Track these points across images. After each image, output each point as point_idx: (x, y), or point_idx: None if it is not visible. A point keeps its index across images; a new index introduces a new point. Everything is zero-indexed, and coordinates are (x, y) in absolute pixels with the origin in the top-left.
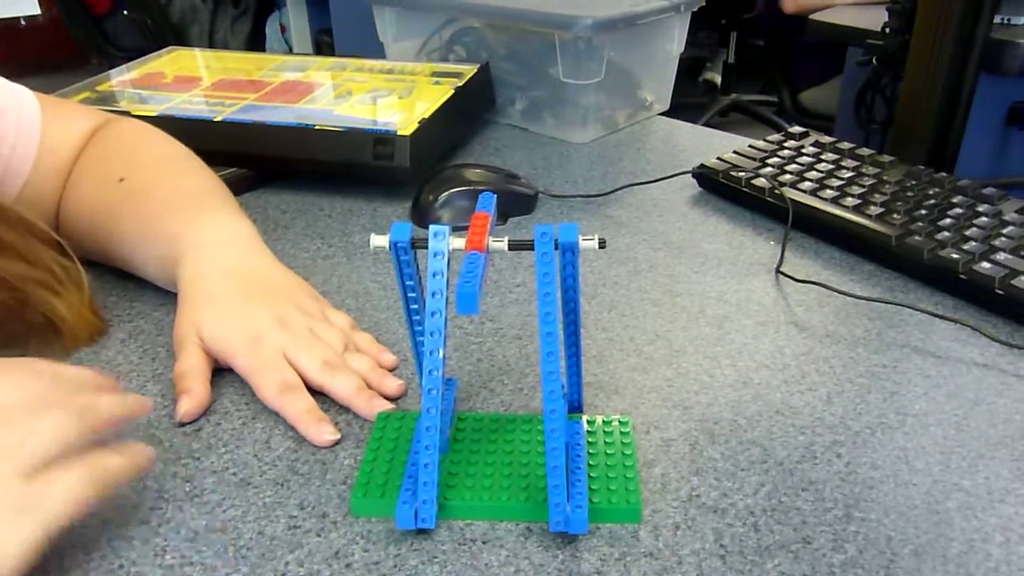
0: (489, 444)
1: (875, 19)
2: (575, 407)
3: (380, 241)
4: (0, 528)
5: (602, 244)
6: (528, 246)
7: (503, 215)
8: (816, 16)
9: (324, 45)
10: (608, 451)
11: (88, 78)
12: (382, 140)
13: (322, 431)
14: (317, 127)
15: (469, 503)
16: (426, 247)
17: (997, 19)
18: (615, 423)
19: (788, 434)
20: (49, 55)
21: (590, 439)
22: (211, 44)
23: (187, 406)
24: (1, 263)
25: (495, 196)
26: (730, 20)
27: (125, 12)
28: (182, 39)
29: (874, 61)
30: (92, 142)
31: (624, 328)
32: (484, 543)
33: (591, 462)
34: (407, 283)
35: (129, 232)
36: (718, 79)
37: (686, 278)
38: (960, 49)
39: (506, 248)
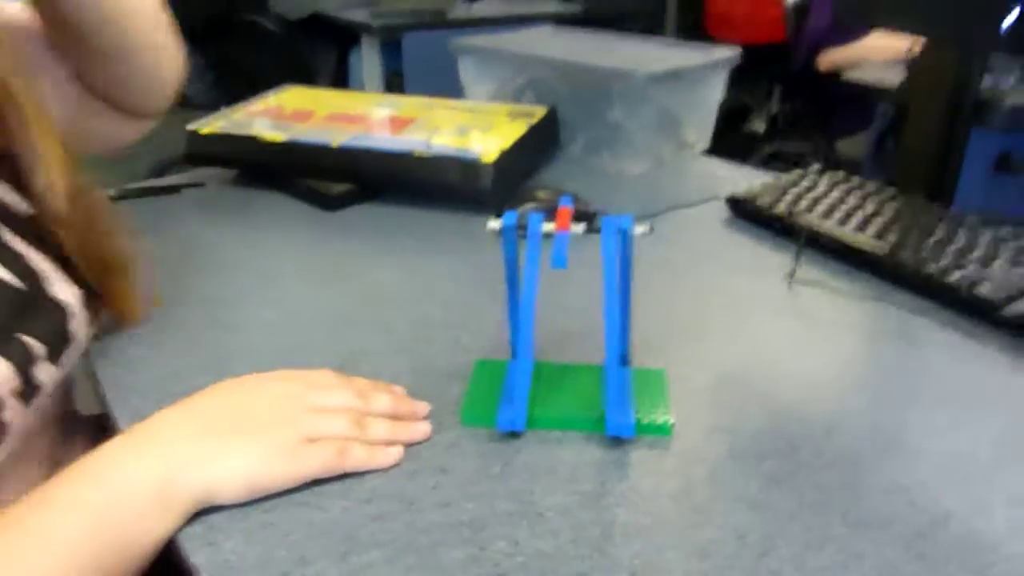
0: (561, 380)
1: (901, 75)
2: (625, 360)
3: (495, 224)
4: (274, 463)
5: (651, 229)
6: (597, 230)
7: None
8: (849, 74)
9: (395, 86)
10: (649, 390)
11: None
12: (469, 166)
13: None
14: (415, 154)
15: (549, 416)
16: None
17: (987, 80)
18: (654, 373)
19: (787, 387)
20: None
21: (636, 380)
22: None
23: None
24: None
25: (572, 196)
26: (773, 76)
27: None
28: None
29: (892, 111)
30: None
31: (666, 314)
32: (560, 443)
33: (636, 394)
34: (510, 256)
35: None
36: (761, 128)
37: (715, 279)
38: (952, 104)
39: (583, 231)
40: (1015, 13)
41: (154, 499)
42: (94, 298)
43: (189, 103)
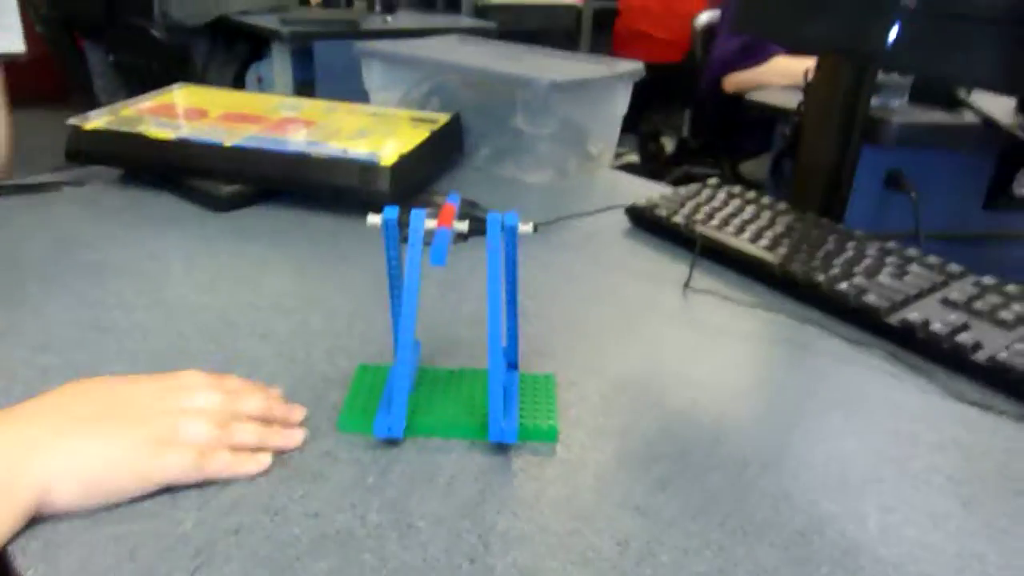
0: (445, 385)
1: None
2: (512, 364)
3: (375, 219)
4: (120, 465)
5: (535, 229)
6: (482, 229)
7: (461, 235)
8: (751, 95)
9: (305, 95)
10: (536, 394)
11: (72, 114)
12: (367, 168)
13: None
14: (312, 155)
15: (429, 422)
16: (408, 226)
17: (875, 101)
18: (542, 378)
19: (680, 392)
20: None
21: (522, 385)
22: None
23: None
24: None
25: (459, 195)
26: (683, 99)
27: (111, 57)
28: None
29: (788, 132)
30: None
31: (558, 318)
32: (440, 451)
33: (522, 399)
34: (391, 254)
35: None
36: (669, 147)
37: (612, 287)
38: (844, 123)
39: (466, 229)
40: (895, 29)
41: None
42: None
43: (96, 100)
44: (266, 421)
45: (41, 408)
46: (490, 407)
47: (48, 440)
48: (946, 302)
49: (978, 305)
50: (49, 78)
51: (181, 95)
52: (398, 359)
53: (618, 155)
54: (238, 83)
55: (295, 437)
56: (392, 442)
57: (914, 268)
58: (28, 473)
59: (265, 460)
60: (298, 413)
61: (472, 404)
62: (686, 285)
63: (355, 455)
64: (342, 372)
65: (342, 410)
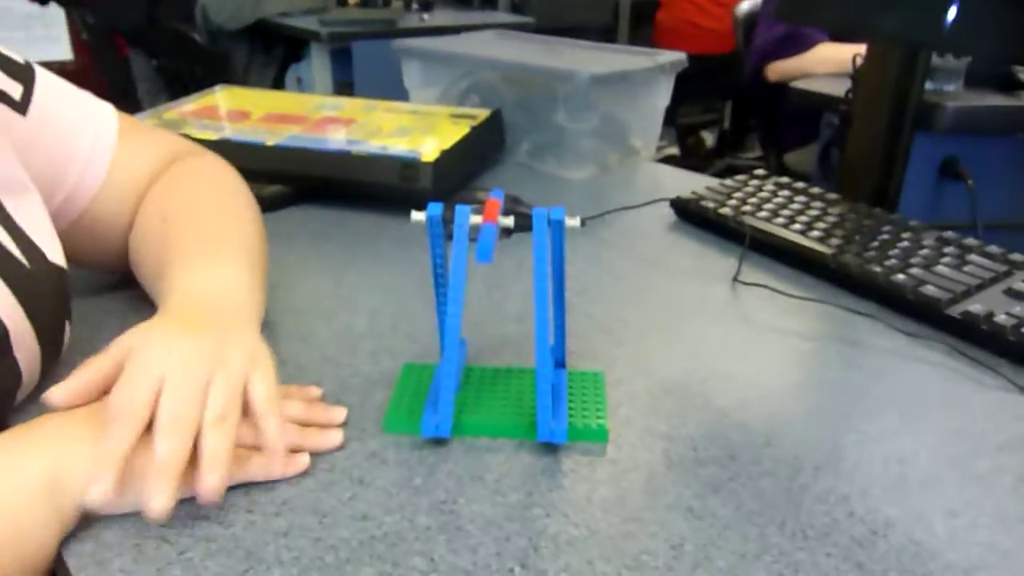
0: (492, 384)
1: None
2: (560, 362)
3: (419, 216)
4: None
5: (583, 223)
6: (528, 224)
7: (506, 231)
8: (795, 84)
9: (345, 94)
10: (584, 393)
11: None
12: (409, 165)
13: (91, 488)
14: (353, 153)
15: (476, 422)
16: (454, 222)
17: (930, 86)
18: (591, 375)
19: (727, 390)
20: None
21: (571, 383)
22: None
23: (56, 392)
24: None
25: (503, 191)
26: (724, 91)
27: (155, 62)
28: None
29: (836, 121)
30: (165, 174)
31: (604, 316)
32: (488, 451)
33: (571, 398)
34: (436, 251)
35: (150, 269)
36: (709, 141)
37: (658, 283)
38: (896, 109)
39: (511, 224)
40: (953, 10)
41: (43, 495)
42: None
43: (141, 105)
44: (305, 424)
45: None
46: (538, 407)
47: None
48: (1010, 292)
49: None
50: (96, 84)
51: (223, 97)
52: (445, 357)
53: (657, 149)
54: (278, 84)
55: (333, 438)
56: (439, 442)
57: (974, 258)
58: (76, 481)
59: (304, 461)
60: (339, 414)
61: (520, 403)
62: (735, 279)
63: (402, 456)
64: (387, 373)
65: (388, 410)
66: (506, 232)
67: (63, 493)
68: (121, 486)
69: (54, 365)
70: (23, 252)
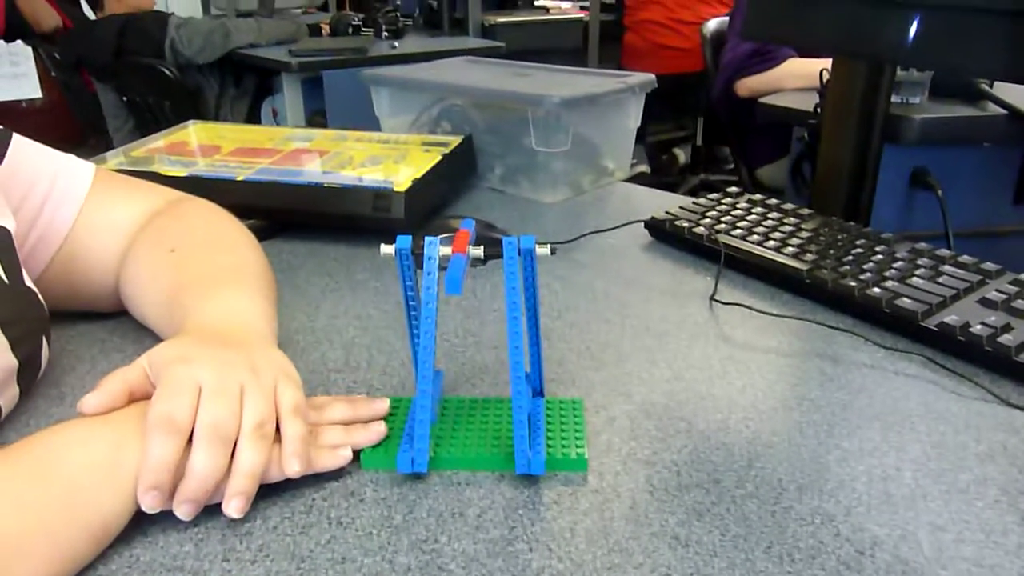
0: (469, 416)
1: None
2: (537, 391)
3: (388, 249)
4: None
5: (553, 251)
6: (498, 254)
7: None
8: (765, 100)
9: (318, 125)
10: (563, 421)
11: (88, 156)
12: (381, 195)
13: (147, 496)
14: (325, 185)
15: (454, 456)
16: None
17: (896, 99)
18: (569, 403)
19: (708, 412)
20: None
21: (548, 412)
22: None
23: (89, 400)
24: None
25: (475, 218)
26: (696, 109)
27: (124, 98)
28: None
29: (806, 136)
30: (158, 215)
31: (581, 340)
32: (468, 485)
33: (549, 427)
34: (407, 283)
35: (162, 301)
36: (682, 158)
37: (635, 304)
38: (864, 122)
39: (482, 254)
40: (915, 26)
41: (109, 477)
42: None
43: (111, 141)
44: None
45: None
46: (515, 438)
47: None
48: (985, 302)
49: (1019, 303)
50: (65, 121)
51: (194, 132)
52: (419, 390)
53: (631, 166)
54: (253, 118)
55: (377, 430)
56: (418, 477)
57: (948, 268)
58: (134, 459)
59: (346, 455)
60: (381, 405)
61: (498, 435)
62: (712, 298)
63: (380, 494)
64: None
65: (364, 447)
66: (479, 260)
67: (126, 478)
68: (168, 495)
69: (33, 382)
70: (2, 267)
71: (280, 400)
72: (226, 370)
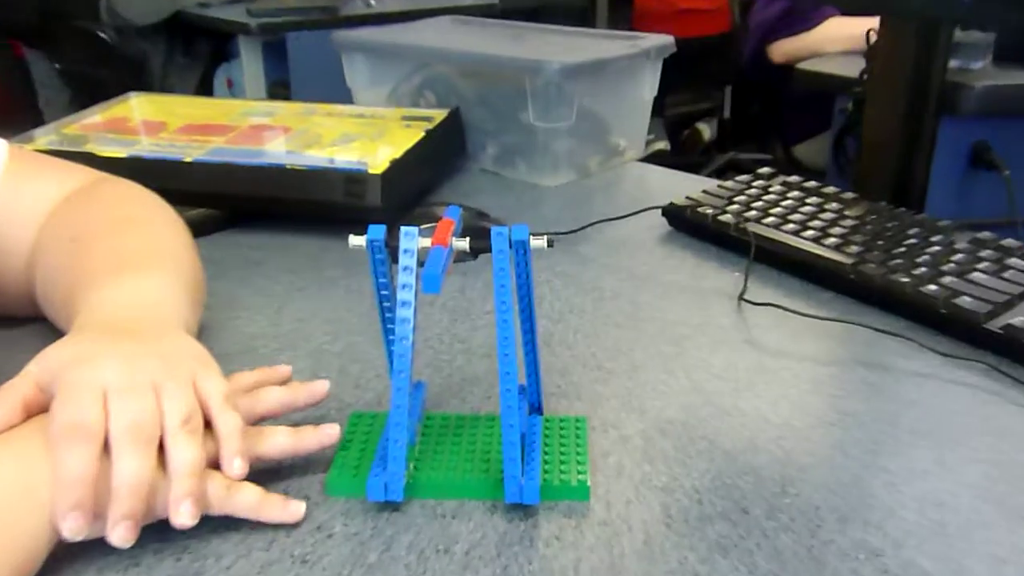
0: (455, 436)
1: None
2: (535, 407)
3: (358, 241)
4: None
5: (550, 243)
6: (487, 246)
7: (473, 251)
8: (802, 65)
9: (280, 97)
10: (563, 442)
11: (14, 133)
12: (354, 179)
13: (68, 518)
14: (289, 167)
15: (436, 481)
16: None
17: (954, 63)
18: (571, 421)
19: (734, 430)
20: None
21: (547, 432)
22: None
23: None
24: None
25: (461, 209)
26: (722, 77)
27: (57, 66)
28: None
29: (849, 107)
30: (73, 196)
31: (587, 347)
32: (454, 517)
33: (546, 449)
34: (380, 280)
35: (60, 295)
36: (707, 133)
37: (649, 305)
38: (916, 91)
39: (467, 247)
40: None
41: (19, 501)
42: None
43: (42, 116)
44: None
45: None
46: (504, 463)
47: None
48: None
49: None
50: None
51: (136, 106)
52: (393, 404)
53: (645, 144)
54: (204, 89)
55: (330, 433)
56: (395, 508)
57: (1015, 262)
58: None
59: (299, 510)
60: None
61: (488, 457)
62: (741, 298)
63: (352, 528)
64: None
65: (330, 470)
66: (467, 255)
67: (41, 502)
68: (91, 514)
69: None
70: None
71: (204, 391)
72: (133, 364)
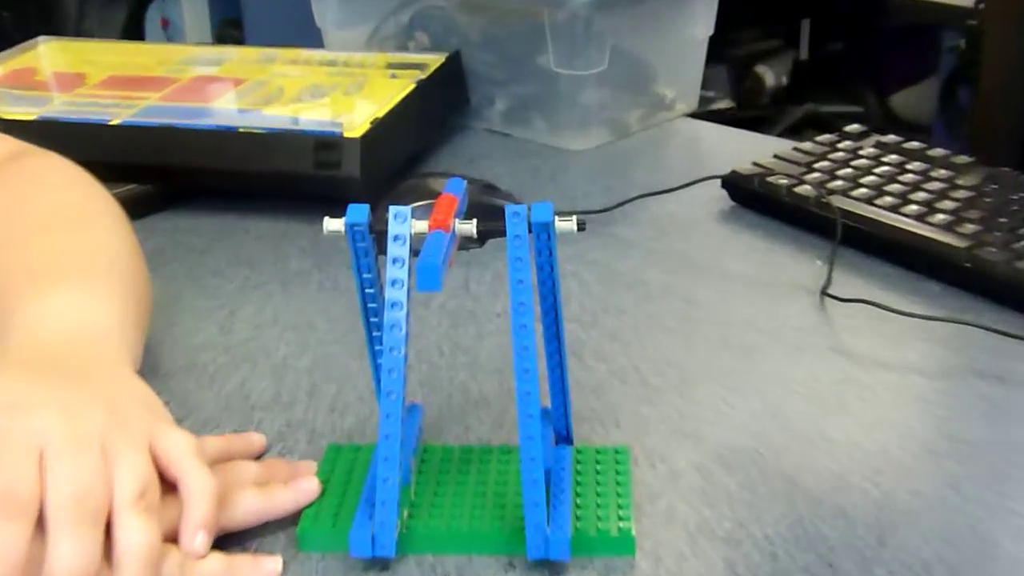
0: (460, 474)
1: None
2: (562, 435)
3: (335, 225)
4: None
5: (581, 226)
6: (500, 230)
7: (480, 236)
8: None
9: (230, 41)
10: (599, 480)
11: None
12: (325, 144)
13: None
14: (241, 130)
15: (436, 532)
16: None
17: None
18: (610, 452)
19: (819, 463)
20: None
21: (578, 467)
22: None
23: None
24: None
25: (465, 181)
26: (795, 5)
27: None
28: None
29: (961, 44)
30: None
31: (628, 358)
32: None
33: (578, 490)
34: (364, 276)
35: None
36: (769, 79)
37: (707, 303)
38: None
39: (474, 231)
40: None
41: None
42: None
43: None
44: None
45: None
46: (525, 508)
47: None
48: None
49: None
50: None
51: (46, 54)
52: (381, 435)
53: (703, 100)
54: (134, 32)
55: (308, 489)
56: (384, 565)
57: None
58: None
59: (275, 567)
60: (306, 466)
61: (503, 501)
62: (824, 292)
63: None
64: (305, 458)
65: (302, 519)
66: (472, 241)
67: None
68: None
69: None
70: None
71: (165, 449)
72: (77, 417)
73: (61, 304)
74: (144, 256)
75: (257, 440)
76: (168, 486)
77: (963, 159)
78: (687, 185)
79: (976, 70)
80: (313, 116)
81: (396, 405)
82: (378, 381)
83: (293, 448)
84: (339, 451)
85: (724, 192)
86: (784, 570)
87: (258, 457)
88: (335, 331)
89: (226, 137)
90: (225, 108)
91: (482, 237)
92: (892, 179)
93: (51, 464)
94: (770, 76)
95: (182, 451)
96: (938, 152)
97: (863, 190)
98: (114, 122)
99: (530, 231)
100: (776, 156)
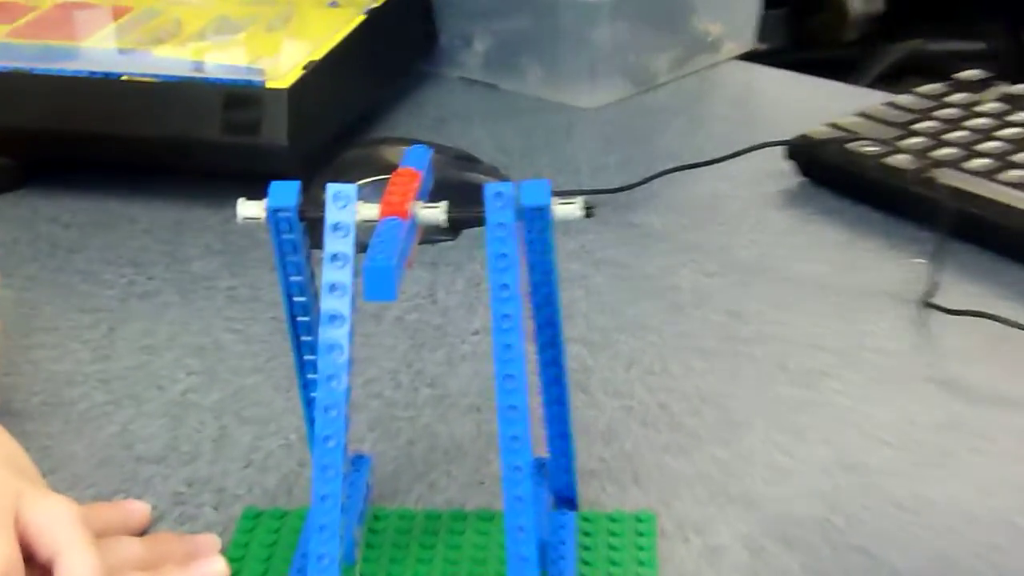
0: (423, 547)
1: None
2: (564, 497)
3: (252, 210)
4: None
5: (589, 211)
6: (477, 217)
7: (452, 225)
8: None
9: None
10: (614, 558)
11: None
12: (239, 98)
13: None
14: (125, 78)
15: None
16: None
17: None
18: (628, 521)
19: (915, 536)
20: None
21: (586, 541)
22: None
23: None
24: None
25: (432, 149)
26: None
27: None
28: None
29: None
30: None
31: (650, 392)
32: None
33: (584, 571)
34: (292, 279)
35: None
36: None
37: (760, 316)
38: None
39: (443, 218)
40: None
41: None
42: None
43: None
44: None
45: None
46: None
47: None
48: None
49: None
50: None
51: None
52: (315, 496)
53: (762, 36)
54: None
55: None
56: None
57: None
58: None
59: None
60: (208, 541)
61: None
62: (926, 302)
63: None
64: (210, 528)
65: None
66: (441, 232)
67: None
68: None
69: None
70: None
71: (36, 522)
72: None
73: None
74: None
75: (138, 511)
76: (41, 568)
77: None
78: (737, 154)
79: None
80: (222, 60)
81: (336, 455)
82: (311, 423)
83: (195, 515)
84: (258, 518)
85: (789, 164)
86: None
87: (143, 532)
88: (253, 356)
89: (103, 88)
90: (101, 48)
91: (454, 226)
92: (1022, 146)
93: None
94: (857, 0)
95: (59, 522)
96: None
97: (982, 161)
98: None
99: (519, 218)
100: (862, 114)
